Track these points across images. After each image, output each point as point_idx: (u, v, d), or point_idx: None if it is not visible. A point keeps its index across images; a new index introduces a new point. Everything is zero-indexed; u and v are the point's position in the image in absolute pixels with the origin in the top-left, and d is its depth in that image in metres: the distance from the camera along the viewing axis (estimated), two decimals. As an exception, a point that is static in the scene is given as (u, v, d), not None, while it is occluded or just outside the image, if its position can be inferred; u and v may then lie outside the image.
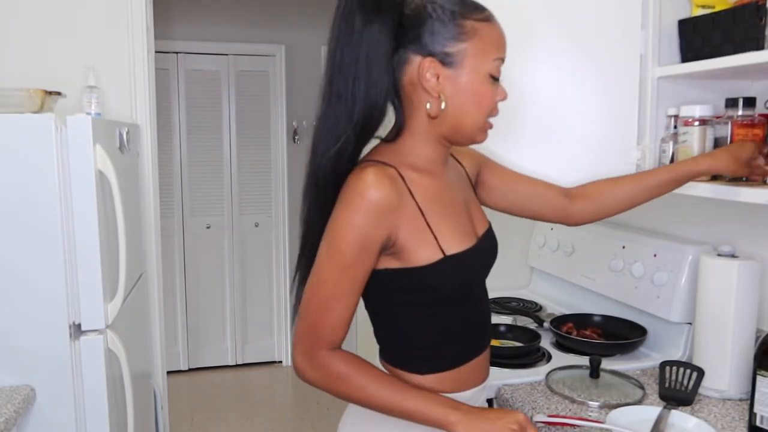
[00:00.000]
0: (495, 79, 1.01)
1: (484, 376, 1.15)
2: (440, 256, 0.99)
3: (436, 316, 1.04)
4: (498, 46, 1.00)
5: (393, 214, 0.96)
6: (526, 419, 0.96)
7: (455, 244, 1.01)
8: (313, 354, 0.98)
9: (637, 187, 1.30)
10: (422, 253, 0.98)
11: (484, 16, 0.99)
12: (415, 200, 1.00)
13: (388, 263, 1.00)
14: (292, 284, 1.09)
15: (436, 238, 0.99)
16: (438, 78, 0.98)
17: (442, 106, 0.99)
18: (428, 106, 0.99)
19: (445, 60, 0.97)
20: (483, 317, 1.14)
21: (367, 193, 0.94)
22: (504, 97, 1.04)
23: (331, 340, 0.98)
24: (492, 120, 1.05)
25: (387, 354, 1.10)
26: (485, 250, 1.11)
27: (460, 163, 1.21)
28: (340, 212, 0.96)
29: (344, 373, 0.97)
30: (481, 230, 1.12)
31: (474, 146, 1.14)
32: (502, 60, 1.02)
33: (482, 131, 1.04)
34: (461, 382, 1.08)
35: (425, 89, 0.99)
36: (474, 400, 1.11)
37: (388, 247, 0.99)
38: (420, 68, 0.98)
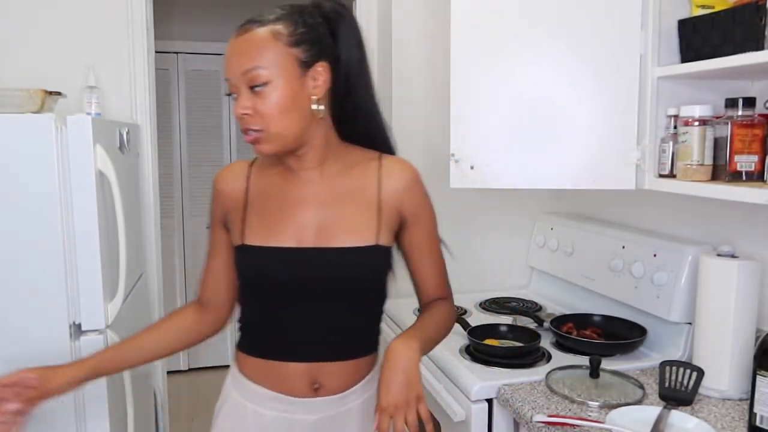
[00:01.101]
0: (232, 95, 1.07)
1: (300, 392, 1.13)
2: (239, 243, 1.15)
3: (245, 297, 1.20)
4: (224, 67, 1.08)
5: (223, 199, 1.18)
6: None
7: (256, 237, 1.13)
8: None
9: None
10: (234, 236, 1.16)
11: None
12: (247, 192, 1.17)
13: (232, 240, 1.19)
14: None
15: (243, 227, 1.14)
16: None
17: None
18: None
19: None
20: (291, 325, 1.13)
21: (213, 183, 1.21)
22: (235, 113, 1.07)
23: (198, 294, 1.26)
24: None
25: None
26: (305, 259, 1.11)
27: (380, 179, 1.16)
28: None
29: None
30: (323, 242, 1.11)
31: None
32: (226, 79, 1.08)
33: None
34: (261, 376, 1.16)
35: None
36: (281, 407, 1.13)
37: (230, 227, 1.18)
38: None
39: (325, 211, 1.13)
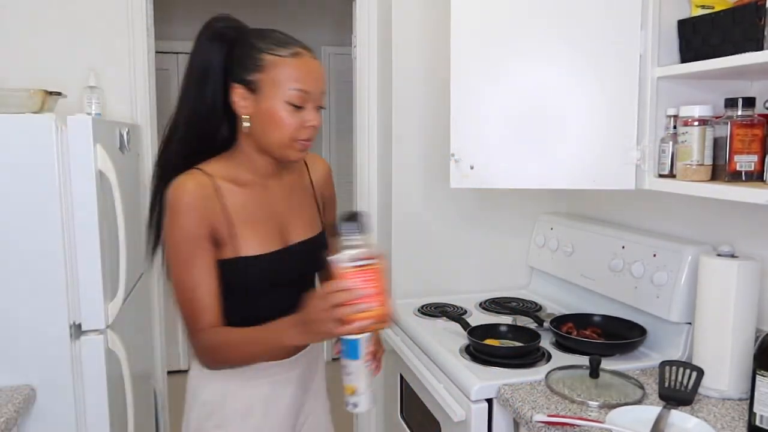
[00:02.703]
0: (297, 106, 1.17)
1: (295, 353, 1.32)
2: (236, 255, 1.19)
3: (239, 301, 1.21)
4: (296, 79, 1.17)
5: (207, 213, 1.16)
6: (328, 289, 1.02)
7: (253, 248, 1.20)
8: (196, 343, 1.17)
9: None
10: (226, 250, 1.19)
11: (287, 52, 1.17)
12: (225, 206, 1.19)
13: (218, 254, 1.19)
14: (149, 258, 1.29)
15: (236, 241, 1.19)
16: (246, 101, 1.18)
17: (245, 125, 1.20)
18: (245, 124, 1.20)
19: (249, 86, 1.18)
20: (287, 311, 1.22)
21: (182, 197, 1.14)
22: (313, 123, 1.20)
23: (203, 324, 1.16)
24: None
25: None
26: (293, 255, 1.27)
27: (309, 171, 1.39)
28: (166, 219, 1.17)
29: (216, 341, 1.16)
30: (297, 238, 1.29)
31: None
32: (303, 91, 1.17)
33: (289, 149, 1.20)
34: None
35: (236, 111, 1.20)
36: (291, 368, 1.31)
37: (218, 242, 1.18)
38: (232, 93, 1.19)
39: (287, 211, 1.29)
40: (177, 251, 1.16)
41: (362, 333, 1.07)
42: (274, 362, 1.28)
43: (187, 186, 1.15)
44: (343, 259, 1.02)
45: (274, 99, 1.16)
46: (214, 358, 1.19)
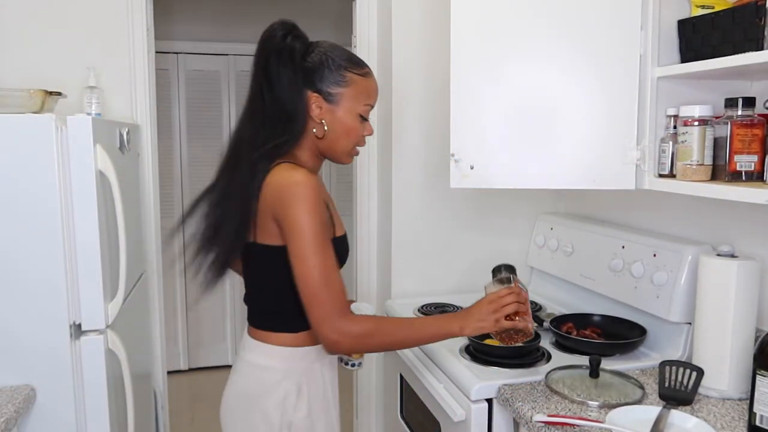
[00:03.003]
0: (364, 118, 1.34)
1: None
2: (333, 235, 1.30)
3: None
4: (368, 95, 1.34)
5: (322, 200, 1.24)
6: (515, 290, 1.33)
7: (339, 230, 1.35)
8: (338, 327, 1.21)
9: None
10: (329, 233, 1.28)
11: (363, 72, 1.33)
12: (322, 193, 1.28)
13: None
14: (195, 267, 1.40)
15: (333, 223, 1.31)
16: (321, 109, 1.30)
17: (324, 128, 1.31)
18: (314, 130, 1.31)
19: (327, 97, 1.30)
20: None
21: (305, 187, 1.21)
22: (370, 133, 1.37)
23: (343, 306, 1.22)
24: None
25: (270, 319, 1.35)
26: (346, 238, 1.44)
27: None
28: (292, 208, 1.20)
29: (370, 329, 1.25)
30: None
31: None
32: (371, 106, 1.35)
33: (348, 155, 1.37)
34: (314, 338, 1.33)
35: (311, 116, 1.30)
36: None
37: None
38: (308, 100, 1.29)
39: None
40: (315, 237, 1.20)
41: (518, 328, 1.32)
42: (314, 347, 1.37)
43: (302, 177, 1.22)
44: (515, 279, 1.39)
45: (349, 112, 1.31)
46: (364, 343, 1.25)
